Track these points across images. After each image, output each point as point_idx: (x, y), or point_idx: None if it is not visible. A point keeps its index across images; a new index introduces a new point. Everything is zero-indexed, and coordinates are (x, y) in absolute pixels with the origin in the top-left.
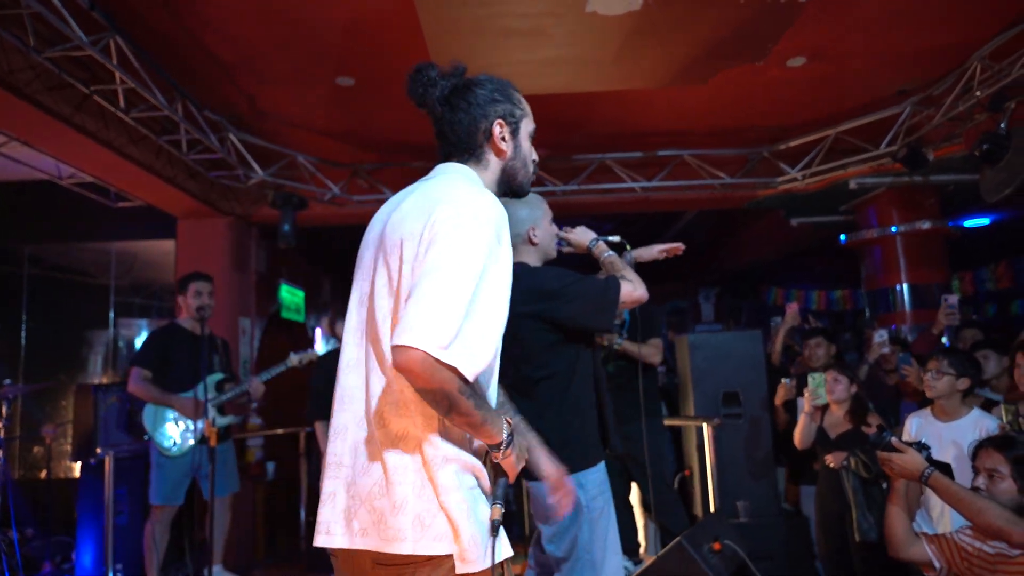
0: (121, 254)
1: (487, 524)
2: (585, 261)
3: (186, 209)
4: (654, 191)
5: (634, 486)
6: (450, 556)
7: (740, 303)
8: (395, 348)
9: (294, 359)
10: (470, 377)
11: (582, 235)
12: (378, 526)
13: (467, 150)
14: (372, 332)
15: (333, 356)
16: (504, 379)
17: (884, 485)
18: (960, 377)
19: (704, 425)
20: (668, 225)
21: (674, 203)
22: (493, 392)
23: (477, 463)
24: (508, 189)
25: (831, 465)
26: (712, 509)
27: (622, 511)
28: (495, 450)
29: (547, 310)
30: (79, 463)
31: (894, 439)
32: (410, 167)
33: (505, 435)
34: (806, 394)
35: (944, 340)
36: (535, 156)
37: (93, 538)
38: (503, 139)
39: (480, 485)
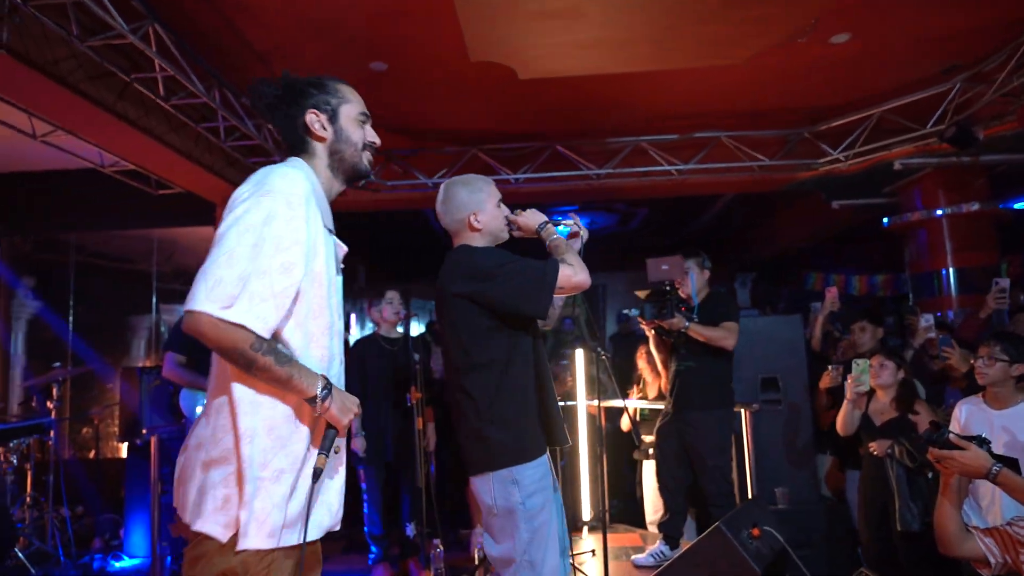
0: (162, 241)
1: (284, 501)
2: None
3: (224, 195)
4: (690, 174)
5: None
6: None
7: (778, 288)
8: (185, 314)
9: None
10: (263, 333)
11: (531, 218)
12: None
13: (296, 145)
14: None
15: (365, 341)
16: (453, 365)
17: (929, 474)
18: (1015, 363)
19: (742, 411)
20: (703, 209)
21: (711, 186)
22: (318, 355)
23: (290, 433)
24: (344, 170)
25: (875, 453)
26: (750, 496)
27: (679, 498)
28: (312, 404)
29: (480, 291)
30: (126, 444)
31: (952, 435)
32: (443, 152)
33: (319, 389)
34: (849, 380)
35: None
36: (372, 138)
37: (140, 516)
38: (321, 127)
39: (295, 453)
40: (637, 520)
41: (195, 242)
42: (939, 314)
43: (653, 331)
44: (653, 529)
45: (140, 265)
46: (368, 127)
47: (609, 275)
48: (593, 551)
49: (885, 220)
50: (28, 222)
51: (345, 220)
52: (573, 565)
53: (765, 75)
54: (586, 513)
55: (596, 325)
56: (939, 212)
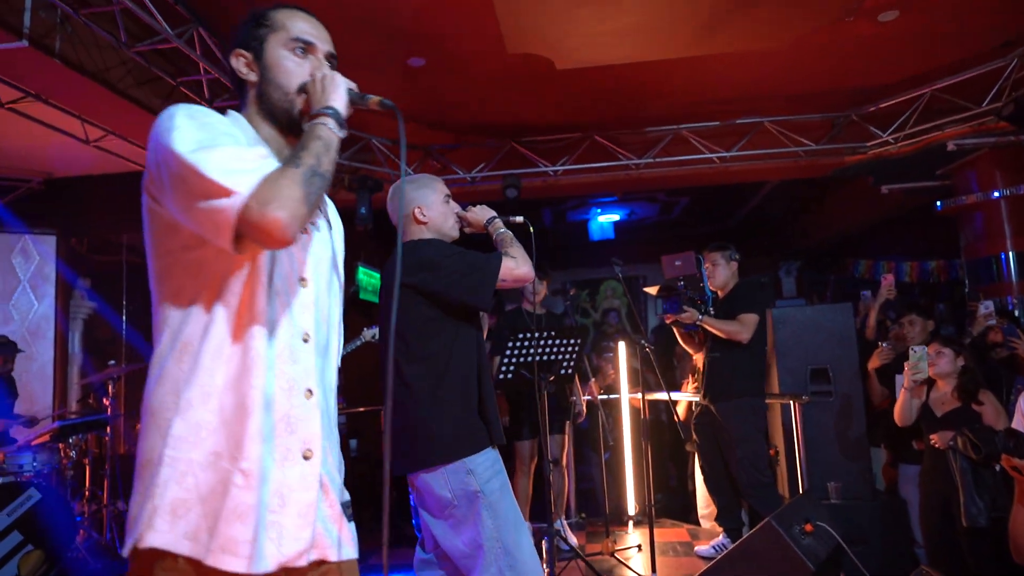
0: None
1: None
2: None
3: None
4: (733, 161)
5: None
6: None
7: (825, 276)
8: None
9: (368, 334)
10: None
11: (479, 213)
12: None
13: (238, 95)
14: None
15: None
16: (396, 354)
17: (996, 467)
18: None
19: (792, 403)
20: (746, 196)
21: (754, 173)
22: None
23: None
24: (274, 116)
25: (937, 445)
26: (802, 490)
27: (725, 490)
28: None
29: (423, 281)
30: None
31: None
32: (482, 146)
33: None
34: (906, 368)
35: None
36: (311, 72)
37: None
38: (248, 67)
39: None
40: (683, 514)
41: None
42: (998, 300)
43: (673, 325)
44: (705, 523)
45: None
46: (316, 59)
47: (650, 266)
48: (639, 546)
49: (938, 204)
50: (83, 224)
51: (386, 216)
52: (620, 559)
53: (809, 57)
54: (631, 507)
55: (639, 317)
56: (996, 194)
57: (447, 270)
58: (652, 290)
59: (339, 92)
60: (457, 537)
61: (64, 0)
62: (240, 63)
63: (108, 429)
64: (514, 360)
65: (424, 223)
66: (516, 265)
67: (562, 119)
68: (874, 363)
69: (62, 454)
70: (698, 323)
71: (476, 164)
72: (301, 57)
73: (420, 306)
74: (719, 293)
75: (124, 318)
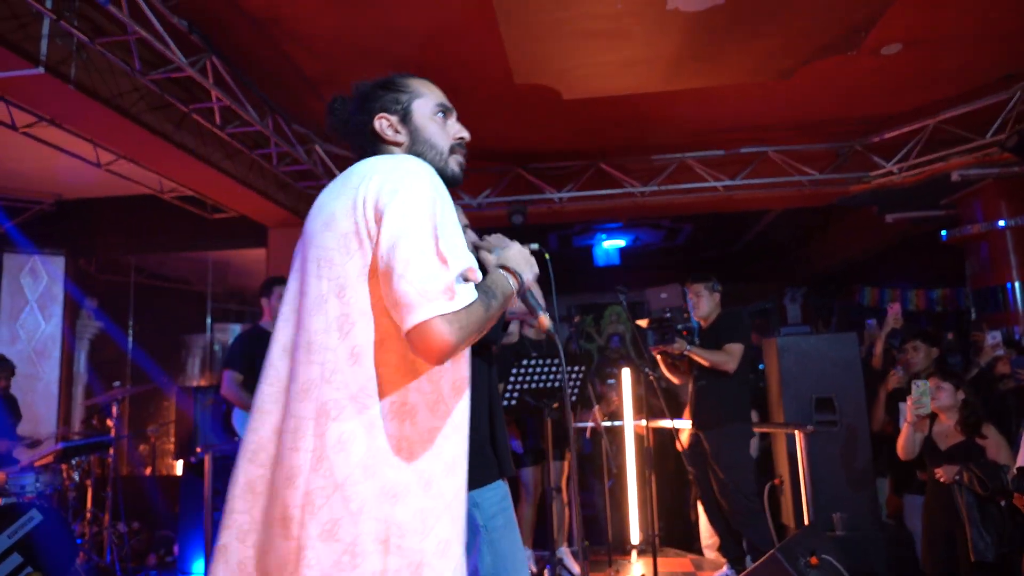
0: (216, 262)
1: None
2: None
3: (277, 219)
4: (737, 190)
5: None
6: None
7: (831, 303)
8: (412, 333)
9: None
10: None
11: (495, 243)
12: None
13: (371, 154)
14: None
15: None
16: None
17: (1003, 502)
18: None
19: (796, 432)
20: (750, 223)
21: (758, 201)
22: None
23: None
24: None
25: (941, 480)
26: (806, 521)
27: (724, 519)
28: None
29: None
30: (181, 461)
31: None
32: (488, 172)
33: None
34: (909, 402)
35: None
36: (458, 132)
37: (195, 533)
38: (394, 130)
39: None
40: (686, 543)
41: (248, 263)
42: (1004, 329)
43: (660, 356)
44: (708, 554)
45: (195, 286)
46: (452, 120)
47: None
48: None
49: (944, 233)
50: (93, 245)
51: None
52: None
53: (813, 88)
54: (635, 536)
55: (643, 343)
56: (1002, 224)
57: None
58: (643, 322)
59: (532, 269)
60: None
61: (80, 29)
62: (385, 125)
63: (111, 450)
64: (518, 387)
65: None
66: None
67: (568, 146)
68: (891, 384)
69: (64, 475)
70: (686, 353)
71: (482, 189)
72: (443, 120)
73: None
74: (702, 323)
75: (131, 338)
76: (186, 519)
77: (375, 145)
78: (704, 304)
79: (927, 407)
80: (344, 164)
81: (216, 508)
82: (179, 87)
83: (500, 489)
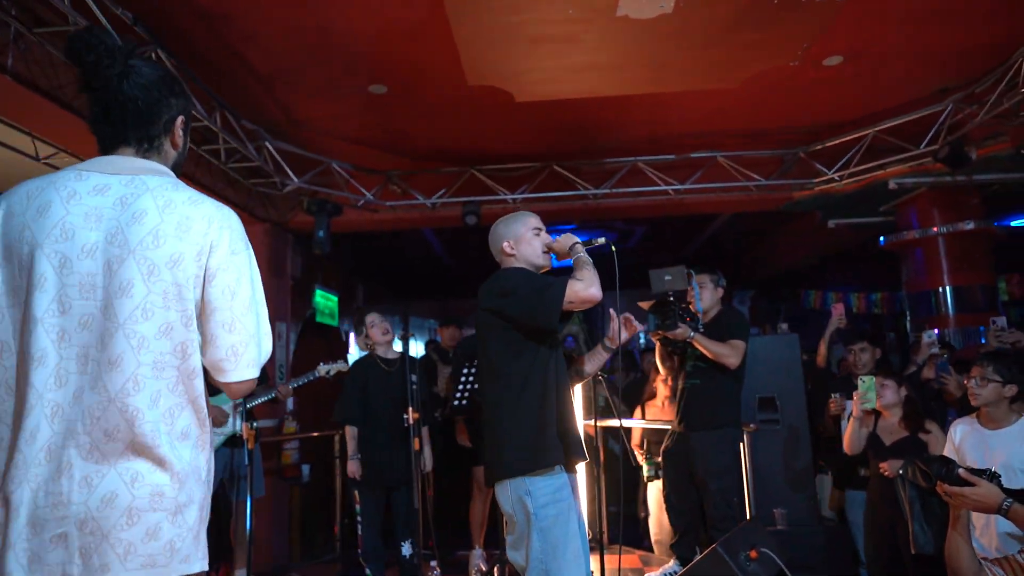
0: None
1: None
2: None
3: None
4: (687, 194)
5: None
6: None
7: (777, 306)
8: (233, 386)
9: (322, 369)
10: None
11: (564, 242)
12: None
13: (145, 137)
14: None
15: (364, 362)
16: (482, 373)
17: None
18: (1007, 384)
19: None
20: (700, 227)
21: (708, 205)
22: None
23: None
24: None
25: (886, 473)
26: (748, 517)
27: (689, 518)
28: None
29: (502, 306)
30: None
31: (963, 471)
32: (441, 172)
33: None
34: (855, 397)
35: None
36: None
37: None
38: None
39: None
40: (634, 541)
41: None
42: (936, 331)
43: (658, 342)
44: (657, 550)
45: None
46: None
47: (607, 293)
48: (591, 573)
49: (882, 239)
50: None
51: (344, 240)
52: None
53: (760, 96)
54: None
55: (595, 343)
56: (935, 231)
57: (518, 296)
58: (645, 304)
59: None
60: (516, 551)
61: (19, 19)
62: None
63: None
64: (468, 387)
65: (512, 255)
66: (583, 287)
67: (522, 149)
68: (832, 411)
69: None
70: (689, 339)
71: (436, 190)
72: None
73: (502, 329)
74: (702, 317)
75: None
76: None
77: (155, 131)
78: (708, 297)
79: (872, 402)
80: (297, 162)
81: None
82: None
83: (557, 480)
